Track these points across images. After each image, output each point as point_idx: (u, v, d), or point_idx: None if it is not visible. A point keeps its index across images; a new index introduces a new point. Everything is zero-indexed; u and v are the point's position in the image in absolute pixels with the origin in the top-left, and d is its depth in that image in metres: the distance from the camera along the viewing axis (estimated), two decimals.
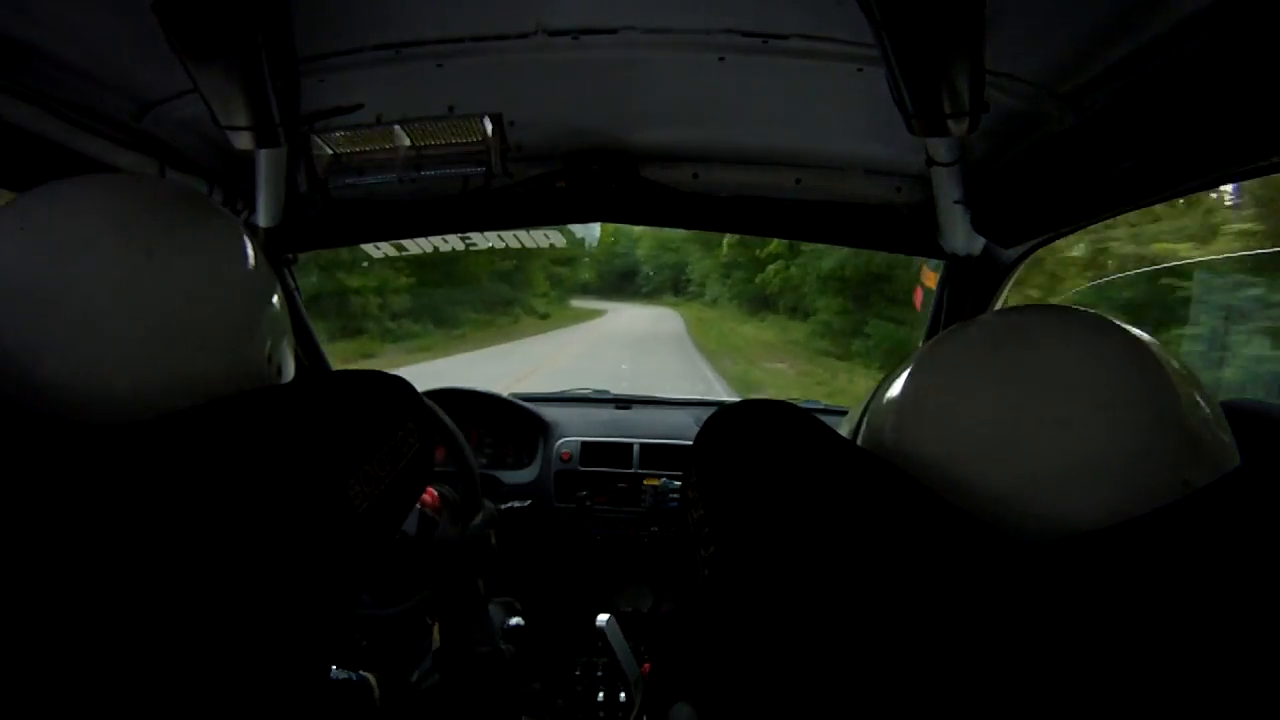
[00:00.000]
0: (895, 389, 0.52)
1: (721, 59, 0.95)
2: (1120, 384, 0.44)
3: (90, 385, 0.50)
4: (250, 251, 0.60)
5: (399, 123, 1.15)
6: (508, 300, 16.43)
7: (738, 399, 0.54)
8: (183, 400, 0.52)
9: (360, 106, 1.06)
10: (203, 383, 0.54)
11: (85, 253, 0.51)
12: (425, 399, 0.76)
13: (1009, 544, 0.41)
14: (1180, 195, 0.85)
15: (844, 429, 0.60)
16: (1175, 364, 0.46)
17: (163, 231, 0.54)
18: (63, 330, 0.49)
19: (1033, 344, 0.47)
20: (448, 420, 1.10)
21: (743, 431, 0.50)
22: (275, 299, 0.62)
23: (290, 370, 0.64)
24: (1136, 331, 0.48)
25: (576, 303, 22.39)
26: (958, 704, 0.35)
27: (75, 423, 0.47)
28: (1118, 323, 0.48)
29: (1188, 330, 2.26)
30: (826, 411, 1.86)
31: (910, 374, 0.52)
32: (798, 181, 1.27)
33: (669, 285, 24.96)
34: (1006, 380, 0.46)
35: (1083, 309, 0.51)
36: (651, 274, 26.42)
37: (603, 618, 0.85)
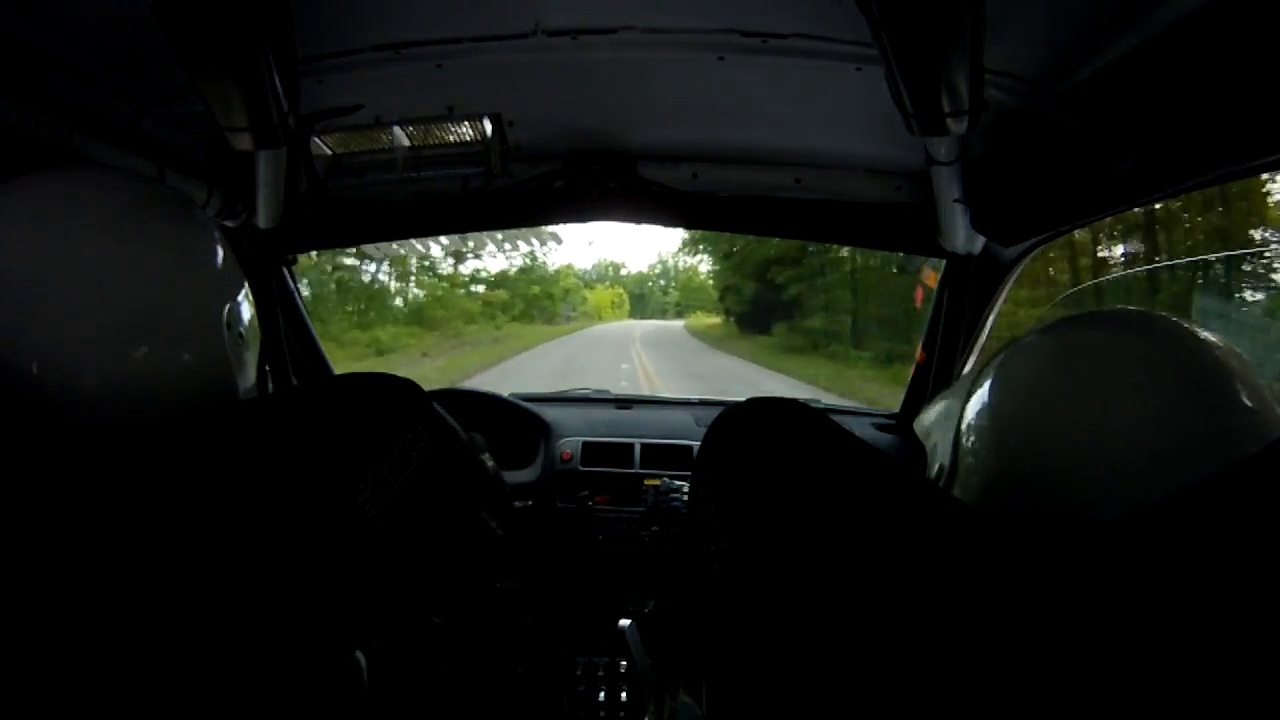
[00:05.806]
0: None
1: (721, 59, 0.95)
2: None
3: (60, 374, 0.51)
4: (220, 252, 0.62)
5: (398, 123, 1.14)
6: None
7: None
8: (145, 396, 0.53)
9: (360, 107, 1.06)
10: (163, 381, 0.55)
11: (57, 242, 0.52)
12: (434, 402, 0.76)
13: (1020, 538, 0.41)
14: (1180, 193, 0.85)
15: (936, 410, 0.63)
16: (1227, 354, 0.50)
17: (134, 226, 0.56)
18: (35, 318, 0.51)
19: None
20: (454, 424, 1.10)
21: (754, 428, 0.50)
22: (242, 302, 0.63)
23: (249, 378, 0.65)
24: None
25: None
26: (961, 700, 0.35)
27: (77, 420, 0.47)
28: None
29: None
30: (839, 411, 1.87)
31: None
32: (797, 181, 1.27)
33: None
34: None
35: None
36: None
37: (624, 622, 0.86)
